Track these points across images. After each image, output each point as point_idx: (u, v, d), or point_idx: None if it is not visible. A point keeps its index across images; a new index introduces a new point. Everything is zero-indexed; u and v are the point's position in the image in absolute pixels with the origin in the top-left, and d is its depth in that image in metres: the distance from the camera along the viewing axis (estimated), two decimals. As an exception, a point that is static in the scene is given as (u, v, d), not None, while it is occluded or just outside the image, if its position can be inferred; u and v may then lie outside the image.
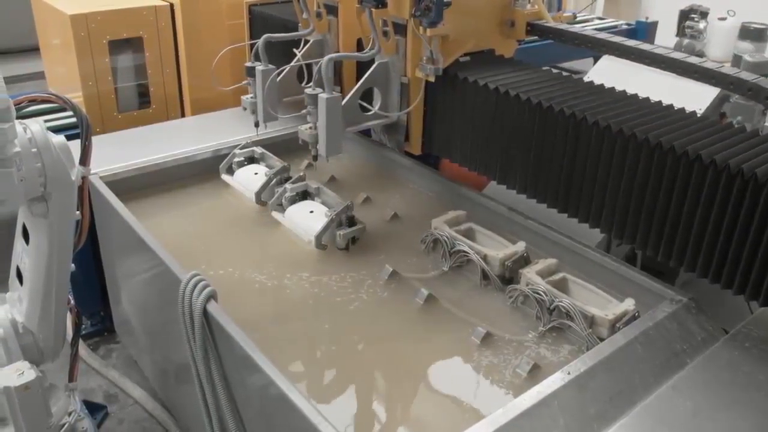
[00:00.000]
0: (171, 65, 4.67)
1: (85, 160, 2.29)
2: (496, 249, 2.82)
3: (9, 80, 1.96)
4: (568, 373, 2.11)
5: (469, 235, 2.95)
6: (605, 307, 2.50)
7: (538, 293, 2.56)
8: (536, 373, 2.33)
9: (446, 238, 2.90)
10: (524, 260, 2.79)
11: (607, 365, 2.17)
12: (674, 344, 2.30)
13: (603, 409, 2.05)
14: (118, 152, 3.59)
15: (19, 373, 2.24)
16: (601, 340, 2.37)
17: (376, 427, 2.20)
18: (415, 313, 2.65)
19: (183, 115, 4.81)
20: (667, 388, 2.12)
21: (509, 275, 2.77)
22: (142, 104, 4.71)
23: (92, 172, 3.33)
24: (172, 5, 4.56)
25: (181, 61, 4.68)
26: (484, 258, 2.78)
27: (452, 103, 3.25)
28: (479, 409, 2.22)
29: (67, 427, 2.50)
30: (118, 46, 4.48)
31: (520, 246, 2.83)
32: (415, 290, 2.73)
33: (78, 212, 2.30)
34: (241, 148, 3.60)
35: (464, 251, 2.83)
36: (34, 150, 2.06)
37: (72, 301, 2.58)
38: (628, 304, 2.49)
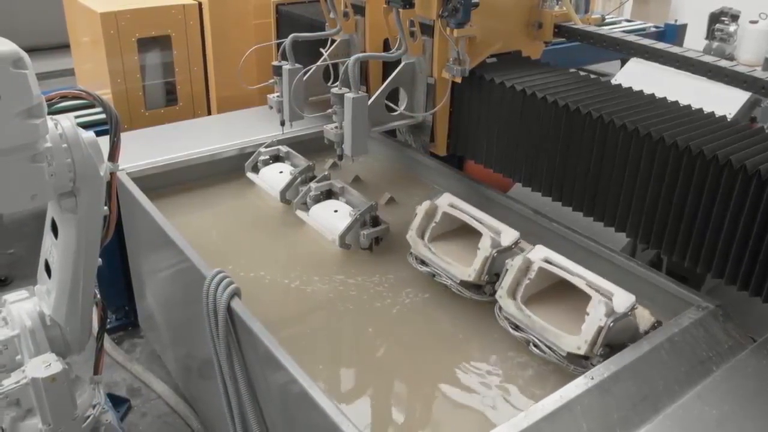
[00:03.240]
0: (198, 63, 4.72)
1: (113, 156, 2.31)
2: (468, 262, 2.60)
3: (40, 77, 1.98)
4: (592, 378, 2.09)
5: (451, 227, 2.79)
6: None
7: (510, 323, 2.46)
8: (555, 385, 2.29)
9: (419, 264, 2.79)
10: (510, 251, 2.57)
11: (631, 371, 2.14)
12: (700, 351, 2.27)
13: (626, 416, 2.03)
14: (145, 149, 3.63)
15: (46, 365, 2.28)
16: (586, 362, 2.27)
17: (396, 427, 2.20)
18: (435, 322, 2.65)
19: (209, 112, 4.85)
20: (693, 396, 2.10)
21: (493, 277, 2.59)
22: (169, 102, 4.75)
23: (119, 168, 3.38)
24: (200, 4, 4.60)
25: (208, 60, 4.72)
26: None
27: (478, 105, 3.23)
28: (497, 417, 2.22)
29: (91, 419, 2.53)
30: (146, 44, 4.53)
31: (486, 245, 2.55)
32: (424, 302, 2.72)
33: (106, 208, 2.33)
34: (266, 147, 3.62)
35: (439, 274, 2.71)
36: (65, 146, 2.09)
37: (98, 296, 2.61)
38: (620, 303, 2.23)
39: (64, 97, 2.33)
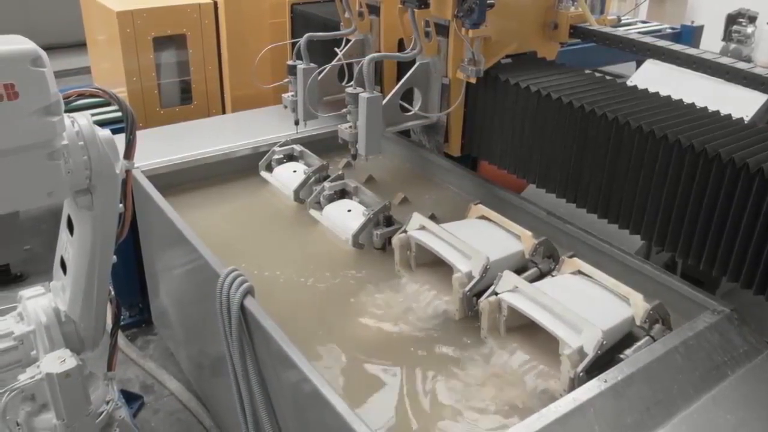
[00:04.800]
0: (213, 62, 4.74)
1: (129, 154, 2.33)
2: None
3: (56, 75, 2.00)
4: (605, 381, 2.08)
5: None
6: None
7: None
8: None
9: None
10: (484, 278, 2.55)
11: (645, 374, 2.13)
12: (715, 356, 2.25)
13: (640, 419, 2.01)
14: (160, 147, 3.65)
15: (60, 361, 2.29)
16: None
17: (409, 427, 2.20)
18: (453, 323, 2.63)
19: (224, 111, 4.87)
20: (707, 400, 2.08)
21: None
22: (184, 100, 4.78)
23: (134, 166, 3.40)
24: (215, 3, 4.62)
25: (223, 59, 4.74)
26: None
27: (493, 105, 3.23)
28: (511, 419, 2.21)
29: (104, 415, 2.55)
30: (162, 42, 4.55)
31: (456, 287, 2.55)
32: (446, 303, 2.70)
33: (121, 205, 2.35)
34: (280, 146, 3.63)
35: None
36: (81, 143, 2.10)
37: (112, 292, 2.63)
38: (589, 341, 2.18)
39: (81, 95, 2.35)
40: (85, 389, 2.43)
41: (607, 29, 3.35)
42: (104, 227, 2.31)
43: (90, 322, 2.49)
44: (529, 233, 2.77)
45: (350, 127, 3.13)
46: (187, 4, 4.54)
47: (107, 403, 2.59)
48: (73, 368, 2.29)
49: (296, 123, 3.58)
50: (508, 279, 2.46)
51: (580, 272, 2.64)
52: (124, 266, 3.74)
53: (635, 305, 2.39)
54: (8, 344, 2.42)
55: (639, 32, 5.82)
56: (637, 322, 2.36)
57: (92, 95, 2.36)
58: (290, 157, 3.64)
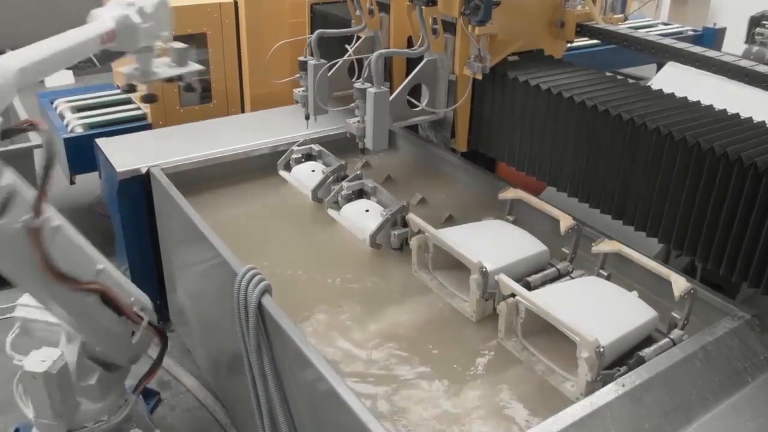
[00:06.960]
0: (233, 61, 4.76)
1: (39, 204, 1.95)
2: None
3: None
4: (623, 385, 2.07)
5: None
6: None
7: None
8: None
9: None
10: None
11: (663, 379, 2.11)
12: (735, 362, 2.22)
13: (657, 424, 2.00)
14: (180, 146, 3.68)
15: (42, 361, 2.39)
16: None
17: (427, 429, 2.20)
18: (472, 325, 2.62)
19: (243, 110, 4.89)
20: (727, 407, 2.06)
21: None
22: (203, 99, 4.80)
23: (155, 164, 3.43)
24: (236, 3, 4.64)
25: (242, 58, 4.76)
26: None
27: (500, 102, 3.23)
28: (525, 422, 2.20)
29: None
30: (182, 41, 4.56)
31: (473, 288, 2.55)
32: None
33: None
34: (299, 145, 3.64)
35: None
36: None
37: (156, 322, 2.74)
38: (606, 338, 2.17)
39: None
40: (64, 394, 2.50)
41: (613, 27, 3.34)
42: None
43: (109, 351, 2.59)
44: (569, 216, 2.80)
45: (358, 121, 3.15)
46: (208, 4, 4.57)
47: (125, 400, 2.62)
48: (43, 373, 2.38)
49: (307, 118, 3.60)
50: (506, 284, 2.45)
51: (599, 274, 2.66)
52: (143, 263, 3.77)
53: (676, 284, 2.38)
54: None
55: (659, 34, 5.78)
56: (676, 298, 2.36)
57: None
58: (309, 157, 3.65)
